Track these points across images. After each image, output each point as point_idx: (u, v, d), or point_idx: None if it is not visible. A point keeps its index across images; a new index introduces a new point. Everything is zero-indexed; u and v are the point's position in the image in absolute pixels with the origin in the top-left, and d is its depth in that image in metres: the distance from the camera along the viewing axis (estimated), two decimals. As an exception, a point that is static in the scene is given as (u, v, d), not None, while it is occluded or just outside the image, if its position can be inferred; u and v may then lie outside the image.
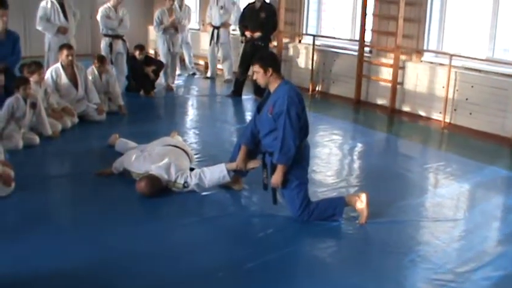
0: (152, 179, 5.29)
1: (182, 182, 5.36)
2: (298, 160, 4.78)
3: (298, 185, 4.80)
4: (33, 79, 6.90)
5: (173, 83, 10.84)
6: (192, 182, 5.36)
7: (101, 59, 8.57)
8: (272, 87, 4.84)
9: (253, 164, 5.26)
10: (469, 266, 4.20)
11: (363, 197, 4.88)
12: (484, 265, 4.23)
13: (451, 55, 8.19)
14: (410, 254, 4.37)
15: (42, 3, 8.94)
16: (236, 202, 5.37)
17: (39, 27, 9.08)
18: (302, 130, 4.77)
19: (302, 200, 4.81)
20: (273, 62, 4.85)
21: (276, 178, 4.76)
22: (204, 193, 5.42)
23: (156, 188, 5.29)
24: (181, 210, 5.09)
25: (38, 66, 7.13)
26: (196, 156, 6.44)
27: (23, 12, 13.11)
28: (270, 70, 4.78)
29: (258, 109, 5.00)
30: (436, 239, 4.65)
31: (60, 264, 3.99)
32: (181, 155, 5.75)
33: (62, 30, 8.96)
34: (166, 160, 5.45)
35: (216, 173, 5.37)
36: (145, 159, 5.60)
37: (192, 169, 5.59)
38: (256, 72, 4.86)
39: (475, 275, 4.08)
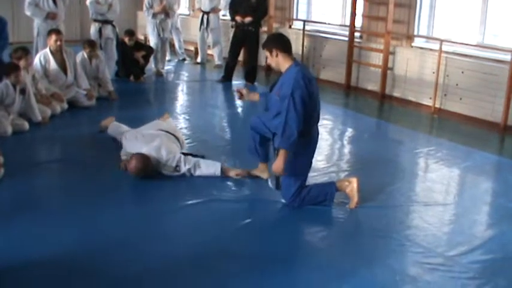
0: (143, 157, 5.29)
1: (173, 165, 5.36)
2: (306, 147, 4.73)
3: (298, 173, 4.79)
4: (20, 65, 6.84)
5: (163, 68, 10.81)
6: (185, 167, 5.36)
7: (91, 44, 8.52)
8: (283, 68, 4.72)
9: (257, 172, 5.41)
10: (458, 249, 4.23)
11: (354, 181, 4.88)
12: (474, 249, 4.25)
13: (442, 40, 8.19)
14: (400, 238, 4.39)
15: (31, -12, 8.87)
16: (227, 187, 5.35)
17: (27, 13, 9.00)
18: (311, 115, 4.65)
19: (297, 188, 4.80)
20: (278, 43, 4.72)
21: (277, 164, 4.62)
22: (194, 178, 5.42)
23: (147, 166, 5.28)
24: (170, 195, 5.08)
25: (24, 51, 7.06)
26: (186, 141, 6.43)
27: (11, -4, 13.03)
28: (275, 51, 4.68)
29: (270, 89, 4.94)
30: (426, 223, 4.67)
31: (49, 250, 3.99)
32: (172, 140, 5.74)
33: (51, 16, 8.89)
34: (157, 142, 5.45)
35: (211, 170, 5.43)
36: (137, 139, 5.60)
37: (185, 154, 5.58)
38: (267, 57, 4.82)
39: (464, 258, 4.11)
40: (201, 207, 4.85)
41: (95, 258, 3.92)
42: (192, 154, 5.68)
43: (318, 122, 4.84)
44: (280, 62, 4.71)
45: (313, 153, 4.89)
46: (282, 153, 4.59)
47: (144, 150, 5.39)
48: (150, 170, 5.32)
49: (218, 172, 5.40)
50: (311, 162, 4.93)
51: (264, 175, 5.40)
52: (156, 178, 5.35)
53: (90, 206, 4.76)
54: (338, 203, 4.94)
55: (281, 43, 4.74)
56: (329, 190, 4.93)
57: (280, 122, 4.54)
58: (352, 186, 4.88)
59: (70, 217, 4.55)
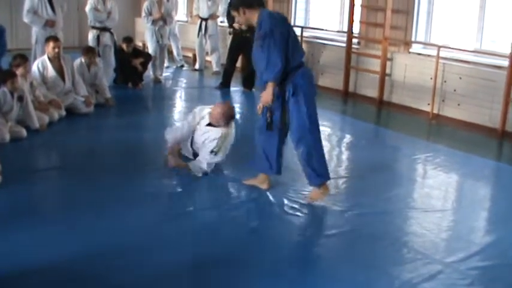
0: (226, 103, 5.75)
1: (211, 149, 5.56)
2: (302, 86, 4.81)
3: (307, 111, 4.84)
4: (18, 72, 6.83)
5: (161, 75, 10.81)
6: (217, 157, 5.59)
7: (90, 51, 8.52)
8: (253, 20, 4.89)
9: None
10: (456, 256, 4.22)
11: (325, 194, 5.03)
12: (472, 255, 4.24)
13: (439, 46, 8.20)
14: (398, 244, 4.38)
15: (30, -4, 8.87)
16: (221, 193, 5.37)
17: (26, 20, 9.02)
18: (293, 51, 4.77)
19: (302, 132, 4.88)
20: (242, 2, 4.86)
21: (265, 95, 4.78)
22: (192, 184, 5.42)
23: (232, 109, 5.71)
24: (170, 202, 5.08)
25: (23, 59, 7.05)
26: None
27: (9, 4, 13.04)
28: (242, 9, 4.86)
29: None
30: (424, 230, 4.66)
31: (48, 258, 3.97)
32: None
33: (49, 24, 8.91)
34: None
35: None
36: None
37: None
38: (236, 17, 5.01)
39: (463, 264, 4.10)
40: (201, 214, 4.84)
41: (94, 265, 3.90)
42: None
43: (302, 56, 4.93)
44: (248, 17, 4.90)
45: (312, 92, 4.95)
46: (269, 85, 4.74)
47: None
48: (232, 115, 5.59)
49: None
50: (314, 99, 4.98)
51: (264, 186, 5.34)
52: (156, 184, 5.35)
53: (89, 213, 4.73)
54: (335, 209, 4.95)
55: (245, 1, 4.88)
56: (316, 179, 4.99)
57: (264, 58, 4.69)
58: (321, 195, 5.01)
59: (69, 224, 4.52)
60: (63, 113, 7.59)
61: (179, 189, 5.33)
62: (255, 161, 5.29)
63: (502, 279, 3.95)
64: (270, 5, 10.97)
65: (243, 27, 9.60)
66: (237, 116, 6.41)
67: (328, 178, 5.09)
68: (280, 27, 4.71)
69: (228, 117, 5.60)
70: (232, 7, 4.95)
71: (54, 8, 8.95)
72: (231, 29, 10.00)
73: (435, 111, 8.39)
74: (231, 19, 9.82)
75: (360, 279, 3.85)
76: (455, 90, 8.14)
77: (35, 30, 9.06)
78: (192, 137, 5.84)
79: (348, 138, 7.47)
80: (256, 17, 4.84)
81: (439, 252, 4.28)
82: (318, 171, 4.99)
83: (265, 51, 4.68)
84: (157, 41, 10.59)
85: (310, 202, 5.02)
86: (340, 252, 4.34)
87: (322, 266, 4.11)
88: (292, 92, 4.81)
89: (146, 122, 7.95)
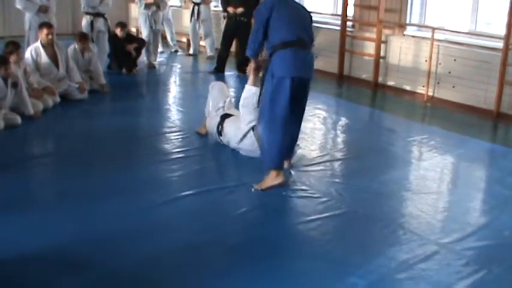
0: None
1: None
2: (271, 69, 4.87)
3: (263, 96, 4.98)
4: (11, 59, 6.79)
5: (155, 60, 10.76)
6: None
7: (84, 37, 8.46)
8: None
9: None
10: (452, 237, 4.24)
11: (279, 180, 4.97)
12: (468, 235, 4.27)
13: (434, 29, 8.19)
14: (394, 226, 4.40)
15: (22, -18, 8.82)
16: (216, 177, 5.39)
17: (19, 6, 8.97)
18: (275, 29, 4.86)
19: (260, 113, 5.03)
20: None
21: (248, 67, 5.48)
22: (187, 168, 5.42)
23: None
24: (166, 187, 5.07)
25: (15, 46, 6.99)
26: (179, 132, 6.46)
27: (1, -10, 12.94)
28: None
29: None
30: (420, 211, 4.68)
31: (44, 244, 3.97)
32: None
33: (43, 9, 8.87)
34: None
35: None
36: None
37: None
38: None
39: (458, 245, 4.12)
40: (197, 198, 4.83)
41: (90, 251, 3.91)
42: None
43: (292, 35, 4.90)
44: None
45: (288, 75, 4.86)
46: (251, 63, 5.39)
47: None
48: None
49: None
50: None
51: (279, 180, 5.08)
52: (152, 170, 5.36)
53: (85, 199, 4.73)
54: (329, 192, 4.96)
55: None
56: (274, 159, 4.95)
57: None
58: (278, 180, 4.96)
59: (64, 211, 4.53)
60: (58, 99, 7.55)
61: (175, 174, 5.33)
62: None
63: (498, 259, 3.96)
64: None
65: (238, 11, 9.59)
66: (232, 100, 6.40)
67: (273, 167, 4.95)
68: (265, 7, 4.89)
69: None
70: None
71: (47, -7, 8.93)
72: (225, 14, 9.96)
73: (430, 94, 8.39)
74: (225, 3, 9.79)
75: (355, 261, 3.87)
76: (450, 73, 8.14)
77: (28, 17, 9.01)
78: (222, 129, 5.90)
79: (343, 121, 7.47)
80: None
81: (434, 233, 4.30)
82: (264, 156, 5.04)
83: (251, 32, 5.06)
84: (151, 26, 10.54)
85: (257, 189, 4.95)
86: (336, 233, 4.35)
87: (317, 248, 4.12)
88: (267, 70, 4.93)
89: (141, 108, 7.93)
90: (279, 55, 4.82)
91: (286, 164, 5.31)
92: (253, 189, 4.94)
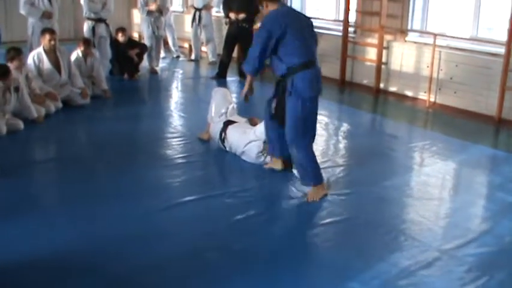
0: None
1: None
2: (295, 93, 4.84)
3: (291, 117, 4.91)
4: (13, 65, 6.81)
5: (157, 66, 10.77)
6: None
7: (87, 42, 8.48)
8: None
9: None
10: (454, 243, 4.24)
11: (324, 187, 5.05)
12: (469, 242, 4.27)
13: (435, 34, 8.19)
14: (395, 232, 4.40)
15: (26, -13, 8.85)
16: (219, 182, 5.39)
17: (22, 12, 8.99)
18: (289, 52, 4.82)
19: (292, 129, 4.93)
20: None
21: (245, 86, 5.21)
22: (189, 174, 5.43)
23: None
24: (167, 192, 5.07)
25: (17, 52, 7.01)
26: (181, 138, 6.47)
27: (3, -4, 12.97)
28: (265, 3, 4.97)
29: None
30: (422, 217, 4.68)
31: (46, 250, 3.98)
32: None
33: (46, 15, 8.89)
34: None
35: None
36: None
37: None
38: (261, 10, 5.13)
39: (460, 251, 4.12)
40: (199, 203, 4.84)
41: (92, 256, 3.92)
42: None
43: (301, 59, 4.85)
44: (270, 9, 4.97)
45: (306, 99, 4.89)
46: (248, 77, 5.16)
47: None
48: None
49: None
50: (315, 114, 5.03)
51: (277, 166, 5.49)
52: (154, 175, 5.36)
53: (87, 204, 4.75)
54: (332, 198, 4.96)
55: None
56: (310, 179, 4.99)
57: (250, 50, 4.92)
58: (325, 191, 5.03)
59: (66, 216, 4.54)
60: (60, 105, 7.57)
61: (177, 180, 5.34)
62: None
63: (499, 265, 3.97)
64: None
65: (240, 17, 9.61)
66: (235, 106, 6.41)
67: (319, 182, 5.02)
68: (276, 27, 4.75)
69: None
70: (258, 1, 5.04)
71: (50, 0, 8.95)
72: (227, 19, 9.97)
73: (432, 99, 8.40)
74: (226, 9, 9.81)
75: (357, 267, 3.87)
76: (451, 78, 8.14)
77: (31, 22, 9.04)
78: (225, 135, 5.93)
79: (345, 126, 7.47)
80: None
81: (436, 240, 4.30)
82: (310, 174, 5.01)
83: (252, 45, 4.86)
84: (153, 32, 10.56)
85: (308, 202, 4.97)
86: (337, 240, 4.35)
87: (319, 254, 4.13)
88: (289, 92, 4.85)
89: (143, 113, 7.95)
90: (302, 76, 4.83)
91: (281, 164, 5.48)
92: (306, 199, 4.94)
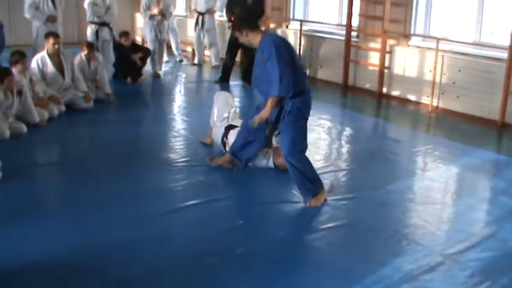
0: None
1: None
2: (295, 112, 4.85)
3: (289, 133, 4.90)
4: (16, 69, 6.83)
5: (160, 69, 10.79)
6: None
7: (90, 46, 8.50)
8: (255, 42, 4.96)
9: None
10: (457, 248, 4.23)
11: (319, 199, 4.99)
12: (473, 246, 4.26)
13: (438, 39, 8.20)
14: (398, 236, 4.39)
15: (30, -9, 8.88)
16: (221, 186, 5.39)
17: (27, 15, 9.03)
18: (299, 75, 4.84)
19: (297, 145, 4.93)
20: (245, 22, 4.98)
21: (266, 110, 4.85)
22: (191, 178, 5.44)
23: None
24: (168, 197, 5.08)
25: (21, 55, 7.03)
26: (184, 141, 6.49)
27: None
28: (244, 31, 4.92)
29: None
30: (425, 222, 4.67)
31: (48, 253, 3.98)
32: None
33: (51, 19, 8.93)
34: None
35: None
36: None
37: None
38: (239, 36, 5.05)
39: (463, 256, 4.11)
40: (201, 208, 4.84)
41: (94, 259, 3.92)
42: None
43: (303, 86, 4.90)
44: (251, 38, 4.95)
45: (304, 117, 4.99)
46: (273, 100, 4.80)
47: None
48: None
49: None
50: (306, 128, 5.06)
51: (229, 165, 5.64)
52: (157, 179, 5.36)
53: (89, 207, 4.75)
54: (334, 202, 4.96)
55: (248, 21, 5.02)
56: (315, 183, 4.96)
57: (275, 75, 4.69)
58: (326, 195, 5.03)
59: (69, 219, 4.54)
60: (63, 108, 7.58)
61: (179, 184, 5.33)
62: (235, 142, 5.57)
63: (503, 270, 3.95)
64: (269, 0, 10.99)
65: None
66: (237, 110, 6.42)
67: (319, 188, 5.00)
68: (287, 51, 4.78)
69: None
70: (235, 28, 5.04)
71: (55, 3, 9.00)
72: (230, 24, 9.97)
73: (434, 104, 8.40)
74: (230, 13, 9.82)
75: (359, 272, 3.86)
76: (454, 83, 8.14)
77: (35, 26, 9.08)
78: (227, 140, 5.95)
79: (347, 131, 7.48)
80: (259, 40, 4.91)
81: (439, 244, 4.29)
82: (308, 184, 4.97)
83: (275, 71, 4.68)
84: (156, 36, 10.58)
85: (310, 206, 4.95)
86: (339, 244, 4.35)
87: (321, 259, 4.12)
88: (288, 112, 4.85)
89: (146, 117, 7.96)
90: (303, 100, 4.89)
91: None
92: (306, 205, 4.92)
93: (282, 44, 4.82)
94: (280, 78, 4.67)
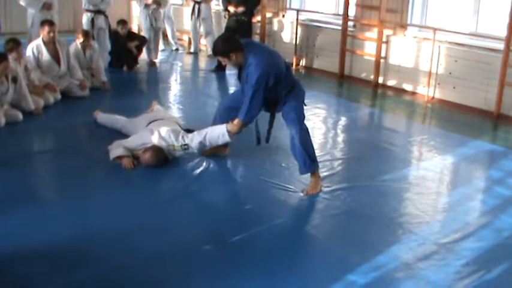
0: (156, 150, 5.36)
1: (179, 144, 5.41)
2: (299, 94, 5.11)
3: (295, 109, 5.03)
4: (11, 57, 6.79)
5: (156, 58, 10.76)
6: (193, 142, 5.38)
7: (86, 34, 8.45)
8: (242, 63, 4.97)
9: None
10: (452, 237, 4.25)
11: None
12: (467, 236, 4.28)
13: (435, 29, 8.20)
14: (393, 225, 4.41)
15: (25, -21, 8.84)
16: (218, 176, 5.39)
17: (22, 3, 8.99)
18: (283, 87, 4.99)
19: (299, 112, 5.03)
20: (230, 46, 4.92)
21: (234, 129, 5.12)
22: (188, 167, 5.43)
23: (160, 157, 5.38)
24: (163, 186, 5.10)
25: (15, 43, 6.99)
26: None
27: (2, -13, 12.92)
28: (232, 55, 4.91)
29: (239, 78, 5.23)
30: (420, 211, 4.69)
31: (43, 241, 3.98)
32: (171, 123, 5.81)
33: (47, 6, 8.89)
34: (163, 129, 5.50)
35: (218, 131, 5.34)
36: (143, 132, 5.65)
37: (188, 131, 5.64)
38: (224, 62, 5.07)
39: (458, 246, 4.14)
40: (198, 196, 4.85)
41: (92, 248, 3.92)
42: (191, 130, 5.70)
43: (294, 86, 5.09)
44: (239, 60, 4.96)
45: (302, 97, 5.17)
46: (240, 124, 5.07)
47: (153, 140, 5.44)
48: (163, 161, 5.41)
49: (224, 131, 5.28)
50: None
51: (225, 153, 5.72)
52: (151, 168, 5.36)
53: (84, 196, 4.75)
54: (332, 192, 4.97)
55: (232, 45, 4.94)
56: (309, 164, 5.01)
57: (245, 103, 4.94)
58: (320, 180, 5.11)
59: (64, 208, 4.54)
60: (59, 96, 7.56)
61: (175, 171, 5.33)
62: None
63: (497, 260, 3.98)
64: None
65: (239, 10, 9.61)
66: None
67: (316, 167, 5.07)
68: (271, 75, 4.85)
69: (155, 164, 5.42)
70: (221, 55, 4.95)
71: (50, -9, 8.97)
72: (226, 12, 9.96)
73: (431, 94, 8.40)
74: (226, 2, 9.80)
75: (354, 260, 3.88)
76: (450, 73, 8.15)
77: (30, 13, 9.03)
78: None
79: (343, 120, 7.48)
80: (244, 60, 4.93)
81: (434, 233, 4.31)
82: (310, 158, 5.00)
83: (247, 97, 4.91)
84: (151, 24, 10.55)
85: (307, 195, 4.97)
86: (335, 233, 4.37)
87: (317, 247, 4.14)
88: (284, 102, 5.04)
89: (141, 105, 7.91)
90: (300, 89, 5.15)
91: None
92: (302, 194, 4.94)
93: (269, 71, 4.83)
94: (248, 110, 4.94)
